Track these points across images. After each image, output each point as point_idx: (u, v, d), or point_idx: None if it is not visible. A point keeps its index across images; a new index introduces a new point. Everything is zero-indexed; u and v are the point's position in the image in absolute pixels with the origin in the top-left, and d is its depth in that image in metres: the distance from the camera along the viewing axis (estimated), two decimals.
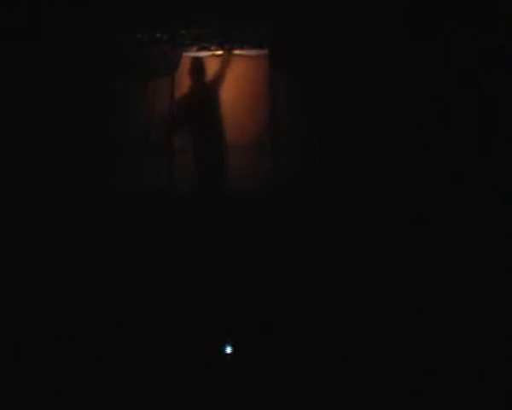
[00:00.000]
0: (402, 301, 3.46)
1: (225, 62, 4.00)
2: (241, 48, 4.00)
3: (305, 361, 3.25)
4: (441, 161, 3.66)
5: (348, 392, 3.07)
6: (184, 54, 3.97)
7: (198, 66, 4.01)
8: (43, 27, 3.58)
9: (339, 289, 3.55)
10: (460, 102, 3.61)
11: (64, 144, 3.76)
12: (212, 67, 4.01)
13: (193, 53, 3.99)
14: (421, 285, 3.48)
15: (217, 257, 3.73)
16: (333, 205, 3.79)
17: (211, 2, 3.72)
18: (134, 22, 3.74)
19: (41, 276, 3.49)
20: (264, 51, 4.02)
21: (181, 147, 4.00)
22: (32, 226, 3.58)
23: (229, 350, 3.24)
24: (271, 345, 3.33)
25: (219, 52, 4.00)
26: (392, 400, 3.02)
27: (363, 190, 3.77)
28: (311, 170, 3.94)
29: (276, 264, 3.68)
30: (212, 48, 3.98)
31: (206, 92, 4.04)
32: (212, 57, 4.01)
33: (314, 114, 3.94)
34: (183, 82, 4.01)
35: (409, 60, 3.70)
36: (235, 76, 4.02)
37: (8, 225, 3.53)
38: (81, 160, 3.82)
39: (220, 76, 4.01)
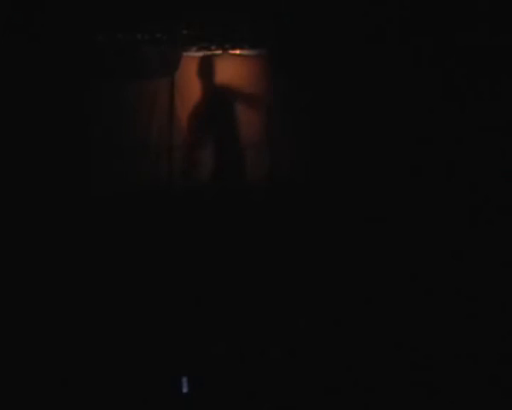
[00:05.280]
0: (400, 301, 3.47)
1: (225, 62, 4.00)
2: (241, 48, 4.00)
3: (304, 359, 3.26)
4: (440, 163, 3.68)
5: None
6: (184, 54, 3.96)
7: (199, 66, 4.01)
8: (43, 27, 3.57)
9: (335, 287, 3.56)
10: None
11: (64, 144, 3.76)
12: (213, 67, 4.01)
13: (193, 53, 3.98)
14: (418, 286, 3.50)
15: (215, 254, 3.74)
16: (331, 205, 3.81)
17: (211, 2, 3.71)
18: (134, 22, 3.72)
19: (41, 275, 3.49)
20: (264, 51, 4.02)
21: (181, 146, 4.01)
22: (31, 225, 3.58)
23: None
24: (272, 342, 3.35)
25: (219, 52, 3.99)
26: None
27: (362, 190, 3.79)
28: (310, 170, 3.95)
29: (273, 262, 3.69)
30: (212, 48, 3.97)
31: (207, 92, 4.03)
32: (212, 57, 4.00)
33: (314, 114, 3.95)
34: (184, 82, 4.01)
35: (409, 60, 3.71)
36: (235, 76, 4.01)
37: (8, 225, 3.53)
38: (81, 159, 3.82)
39: (220, 76, 4.01)
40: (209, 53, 3.99)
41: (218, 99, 4.00)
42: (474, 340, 3.21)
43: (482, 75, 3.55)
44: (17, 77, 3.61)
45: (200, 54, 3.99)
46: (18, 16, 3.51)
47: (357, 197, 3.80)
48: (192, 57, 3.99)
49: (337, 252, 3.72)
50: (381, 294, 3.53)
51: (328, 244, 3.76)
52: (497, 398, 2.94)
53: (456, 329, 3.30)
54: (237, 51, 4.01)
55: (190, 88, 4.01)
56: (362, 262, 3.65)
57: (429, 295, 3.46)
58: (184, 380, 3.13)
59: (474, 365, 3.12)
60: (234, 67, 4.01)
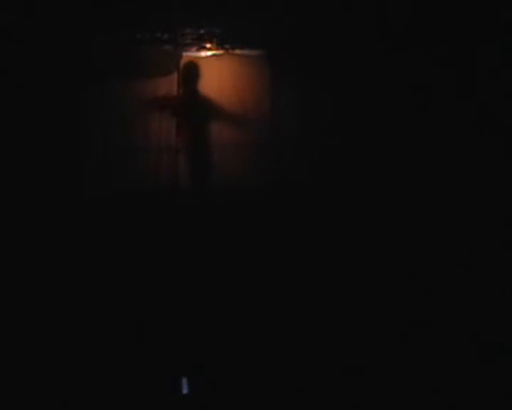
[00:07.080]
0: (398, 305, 3.47)
1: (225, 62, 4.00)
2: (241, 48, 4.00)
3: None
4: (439, 164, 3.68)
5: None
6: (184, 54, 3.96)
7: (198, 66, 4.00)
8: (42, 27, 3.56)
9: (335, 289, 3.56)
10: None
11: (64, 145, 3.76)
12: (212, 67, 4.01)
13: (193, 53, 3.98)
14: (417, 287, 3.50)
15: (214, 255, 3.74)
16: (331, 205, 3.81)
17: (211, 2, 3.71)
18: (134, 22, 3.72)
19: (40, 276, 3.49)
20: (264, 51, 4.02)
21: (181, 146, 4.00)
22: (31, 226, 3.58)
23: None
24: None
25: (219, 52, 3.99)
26: None
27: (362, 190, 3.79)
28: (310, 170, 3.95)
29: (272, 262, 3.69)
30: (212, 48, 3.97)
31: (206, 92, 4.03)
32: (212, 57, 4.00)
33: (313, 114, 3.95)
34: (184, 82, 4.01)
35: (407, 62, 3.71)
36: (235, 76, 4.01)
37: (9, 223, 3.53)
38: (81, 160, 3.82)
39: (220, 76, 4.00)
40: (209, 53, 3.99)
41: (218, 99, 4.00)
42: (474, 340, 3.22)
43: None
44: (17, 77, 3.61)
45: (201, 54, 3.99)
46: (18, 15, 3.51)
47: (357, 199, 3.80)
48: (192, 57, 3.99)
49: (335, 255, 3.72)
50: (383, 294, 3.53)
51: (328, 246, 3.76)
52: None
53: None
54: (237, 51, 4.01)
55: (190, 88, 4.01)
56: (362, 263, 3.65)
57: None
58: (184, 381, 3.12)
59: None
60: (234, 67, 4.01)
